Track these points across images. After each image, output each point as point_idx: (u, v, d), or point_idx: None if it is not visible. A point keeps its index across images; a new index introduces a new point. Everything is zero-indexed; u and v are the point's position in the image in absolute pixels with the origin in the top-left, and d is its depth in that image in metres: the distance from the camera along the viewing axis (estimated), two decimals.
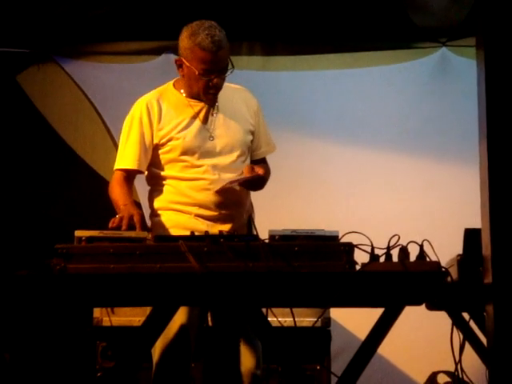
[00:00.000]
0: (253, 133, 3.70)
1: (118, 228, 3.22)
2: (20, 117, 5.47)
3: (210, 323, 3.68)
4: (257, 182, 3.57)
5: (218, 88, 3.54)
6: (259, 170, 3.53)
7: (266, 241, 2.89)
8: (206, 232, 3.09)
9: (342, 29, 5.41)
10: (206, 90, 3.55)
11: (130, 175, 3.62)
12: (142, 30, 5.38)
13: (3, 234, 5.21)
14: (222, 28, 3.51)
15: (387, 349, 3.87)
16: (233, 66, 3.53)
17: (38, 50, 5.46)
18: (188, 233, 3.06)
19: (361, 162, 5.43)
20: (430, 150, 5.42)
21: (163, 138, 3.58)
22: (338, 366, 4.21)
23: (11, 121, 5.45)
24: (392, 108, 5.48)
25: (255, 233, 3.07)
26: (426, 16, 5.33)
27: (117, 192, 3.54)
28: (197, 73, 3.48)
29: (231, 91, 3.71)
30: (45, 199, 5.40)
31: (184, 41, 3.49)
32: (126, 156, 3.59)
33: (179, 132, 3.57)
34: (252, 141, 3.70)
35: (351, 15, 5.33)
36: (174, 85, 3.65)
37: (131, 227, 3.25)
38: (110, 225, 3.25)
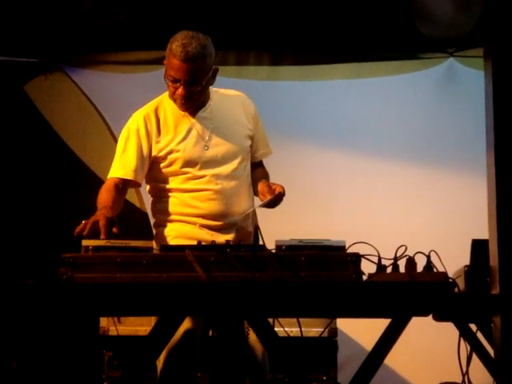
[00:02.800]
0: (251, 137, 3.70)
1: (82, 235, 3.11)
2: (27, 126, 5.48)
3: (216, 333, 3.67)
4: (278, 200, 3.56)
5: (185, 98, 3.51)
6: (277, 188, 3.52)
7: (273, 251, 2.89)
8: (213, 242, 3.09)
9: (349, 39, 5.42)
10: (172, 97, 3.55)
11: (124, 185, 3.57)
12: (149, 40, 5.39)
13: (10, 243, 5.21)
14: (209, 45, 3.47)
15: (394, 359, 3.87)
16: (210, 82, 3.53)
17: (46, 59, 5.47)
18: (193, 243, 3.06)
19: (368, 171, 5.43)
20: (436, 160, 5.42)
21: (162, 151, 3.56)
22: (345, 376, 4.21)
23: (19, 130, 5.47)
24: (399, 118, 5.49)
25: (262, 243, 3.06)
26: (433, 26, 5.34)
27: (100, 197, 3.48)
28: (166, 77, 3.50)
29: (228, 98, 3.71)
30: (52, 208, 5.41)
31: (168, 44, 3.52)
32: (123, 166, 3.56)
33: (178, 144, 3.56)
34: (251, 145, 3.70)
35: (358, 25, 5.34)
36: (170, 95, 3.64)
37: (95, 234, 3.13)
38: (75, 232, 3.16)
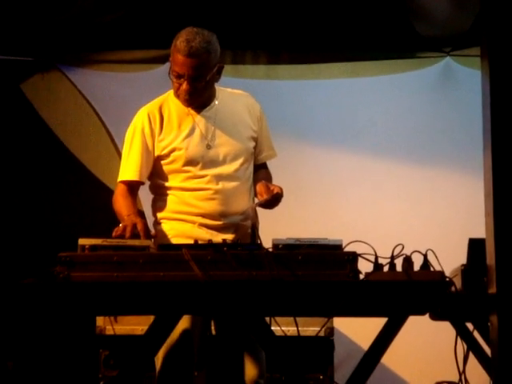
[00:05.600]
0: (255, 139, 3.70)
1: (122, 236, 3.22)
2: (24, 125, 5.47)
3: (213, 332, 3.68)
4: (275, 201, 3.56)
5: (188, 94, 3.51)
6: (275, 188, 3.52)
7: (270, 249, 2.88)
8: (210, 240, 3.09)
9: (346, 38, 5.41)
10: (176, 93, 3.56)
11: (133, 187, 3.61)
12: (146, 39, 5.39)
13: (7, 242, 5.21)
14: (214, 41, 3.49)
15: (391, 358, 3.87)
16: (215, 79, 3.55)
17: (42, 58, 5.46)
18: (191, 241, 3.06)
19: (364, 170, 5.43)
20: (433, 159, 5.42)
21: (165, 149, 3.57)
22: (341, 375, 4.21)
23: (15, 129, 5.46)
24: (396, 117, 5.48)
25: (258, 242, 3.06)
26: (430, 25, 5.34)
27: (120, 203, 3.54)
28: (170, 73, 3.51)
29: (233, 97, 3.71)
30: (48, 207, 5.41)
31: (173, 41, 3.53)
32: (129, 168, 3.59)
33: (181, 142, 3.57)
34: (254, 147, 3.70)
35: (355, 25, 5.34)
36: (174, 92, 3.64)
37: (135, 236, 3.24)
38: (114, 234, 3.25)
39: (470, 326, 3.28)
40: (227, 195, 3.57)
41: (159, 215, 3.61)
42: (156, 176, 3.63)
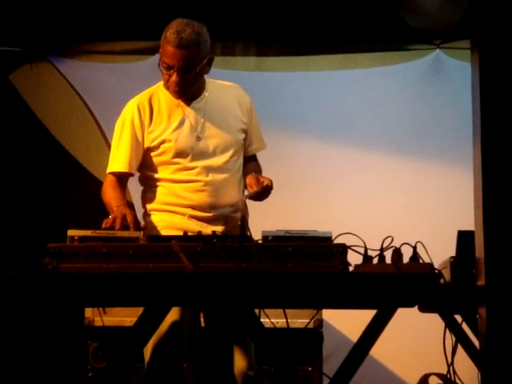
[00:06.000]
0: (245, 131, 3.70)
1: (112, 228, 3.21)
2: (13, 116, 5.45)
3: (202, 324, 3.67)
4: (265, 193, 3.56)
5: (178, 85, 3.50)
6: (265, 181, 3.52)
7: (260, 241, 2.88)
8: (199, 232, 3.09)
9: (336, 30, 5.41)
10: (166, 84, 3.55)
11: (122, 178, 3.61)
12: (136, 30, 5.37)
13: None
14: (204, 33, 3.48)
15: (379, 350, 3.88)
16: (205, 70, 3.54)
17: (32, 48, 5.44)
18: (181, 233, 3.06)
19: (354, 162, 5.44)
20: (422, 152, 5.42)
21: (154, 141, 3.57)
22: (330, 367, 4.20)
23: (4, 120, 5.44)
24: (386, 109, 5.49)
25: (248, 234, 3.06)
26: (420, 18, 5.34)
27: (109, 194, 3.53)
28: (160, 65, 3.50)
29: (223, 89, 3.70)
30: (37, 198, 5.39)
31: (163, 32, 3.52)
32: (118, 159, 3.59)
33: (170, 134, 3.56)
34: (244, 139, 3.70)
35: (345, 16, 5.34)
36: (164, 84, 3.63)
37: (124, 227, 3.24)
38: (104, 225, 3.25)
39: (458, 318, 3.29)
40: (217, 187, 3.57)
41: (149, 207, 3.61)
42: (146, 168, 3.62)
